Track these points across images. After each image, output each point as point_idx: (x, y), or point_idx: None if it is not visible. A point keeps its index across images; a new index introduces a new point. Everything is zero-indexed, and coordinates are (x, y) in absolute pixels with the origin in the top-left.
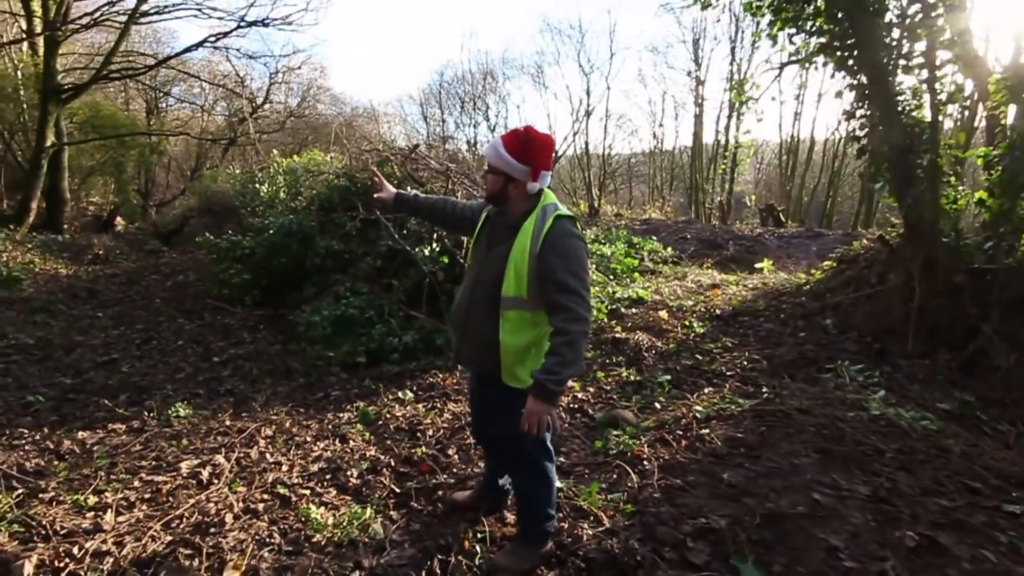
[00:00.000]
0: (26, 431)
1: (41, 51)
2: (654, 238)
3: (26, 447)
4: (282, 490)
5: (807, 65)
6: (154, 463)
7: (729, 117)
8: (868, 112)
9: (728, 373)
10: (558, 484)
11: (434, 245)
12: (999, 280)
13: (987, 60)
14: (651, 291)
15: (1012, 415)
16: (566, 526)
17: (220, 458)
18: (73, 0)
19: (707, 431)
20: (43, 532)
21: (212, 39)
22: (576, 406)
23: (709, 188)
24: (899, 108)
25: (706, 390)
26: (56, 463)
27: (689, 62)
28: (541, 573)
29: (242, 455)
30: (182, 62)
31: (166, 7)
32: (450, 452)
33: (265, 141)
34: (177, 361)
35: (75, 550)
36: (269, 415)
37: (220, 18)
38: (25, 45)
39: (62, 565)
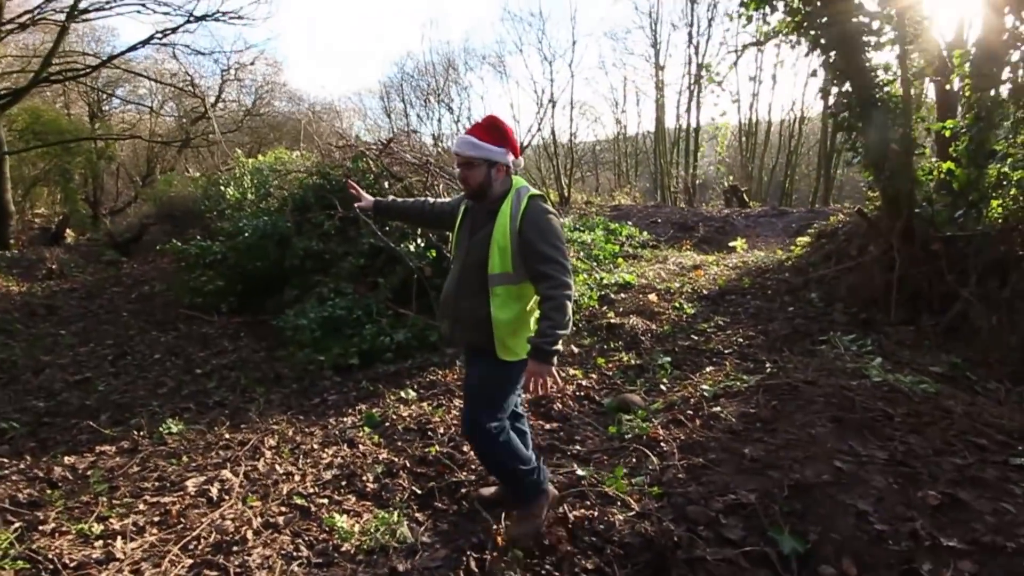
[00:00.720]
0: (6, 460)
1: None
2: (629, 223)
3: (13, 477)
4: (299, 501)
5: (775, 45)
6: (157, 484)
7: (690, 101)
8: (843, 89)
9: (726, 351)
10: (580, 472)
11: (419, 240)
12: (974, 246)
13: (932, 36)
14: (636, 275)
15: (998, 373)
16: (596, 513)
17: (227, 473)
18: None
19: (719, 409)
20: (51, 566)
21: (159, 35)
22: (582, 393)
23: (674, 172)
24: (873, 84)
25: (708, 369)
26: (50, 492)
27: (648, 47)
28: (579, 561)
29: (249, 468)
30: (126, 61)
31: (108, 3)
32: (465, 449)
33: (222, 141)
34: (157, 375)
35: None
36: (269, 424)
37: (166, 13)
38: None
39: None
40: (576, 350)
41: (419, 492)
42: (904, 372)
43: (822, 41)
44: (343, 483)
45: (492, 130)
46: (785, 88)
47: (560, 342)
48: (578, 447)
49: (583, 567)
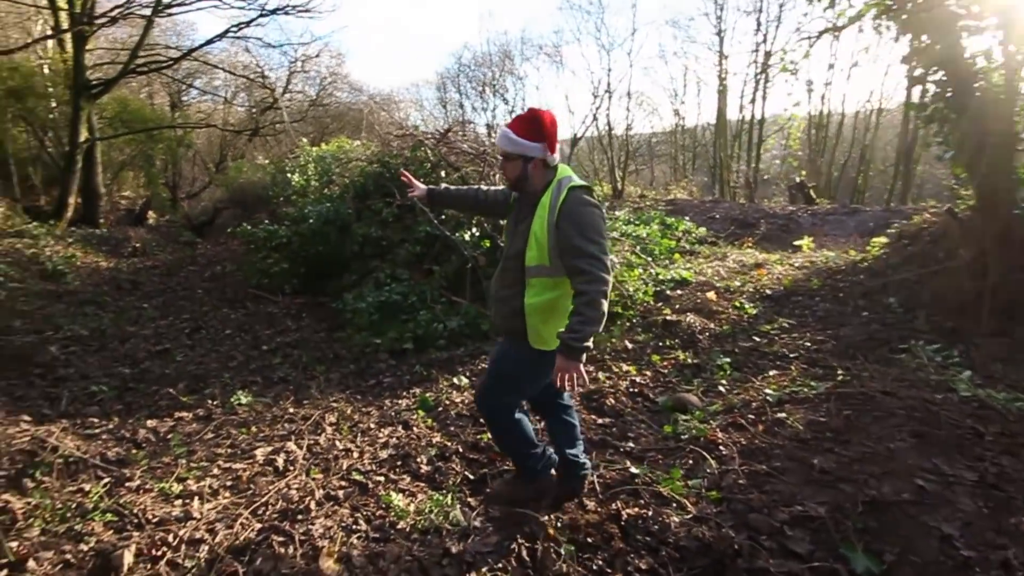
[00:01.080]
0: (96, 420)
1: (70, 47)
2: (685, 218)
3: (103, 436)
4: (358, 477)
5: (858, 29)
6: (229, 451)
7: (755, 91)
8: (936, 78)
9: (791, 355)
10: (633, 469)
11: (474, 230)
12: None
13: None
14: (694, 272)
15: None
16: (650, 513)
17: (292, 445)
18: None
19: (784, 415)
20: (136, 521)
21: (235, 28)
22: (635, 390)
23: (735, 166)
24: (970, 72)
25: (771, 373)
26: (135, 451)
27: (712, 36)
28: (632, 560)
29: (312, 442)
30: (204, 54)
31: None
32: None
33: (290, 130)
34: (228, 350)
35: (170, 538)
36: (329, 402)
37: (241, 8)
38: (52, 41)
39: (159, 553)
40: (630, 346)
41: (471, 477)
42: (997, 388)
43: (914, 25)
44: (398, 463)
45: (529, 124)
46: (862, 78)
47: (590, 339)
48: (631, 444)
49: (636, 566)
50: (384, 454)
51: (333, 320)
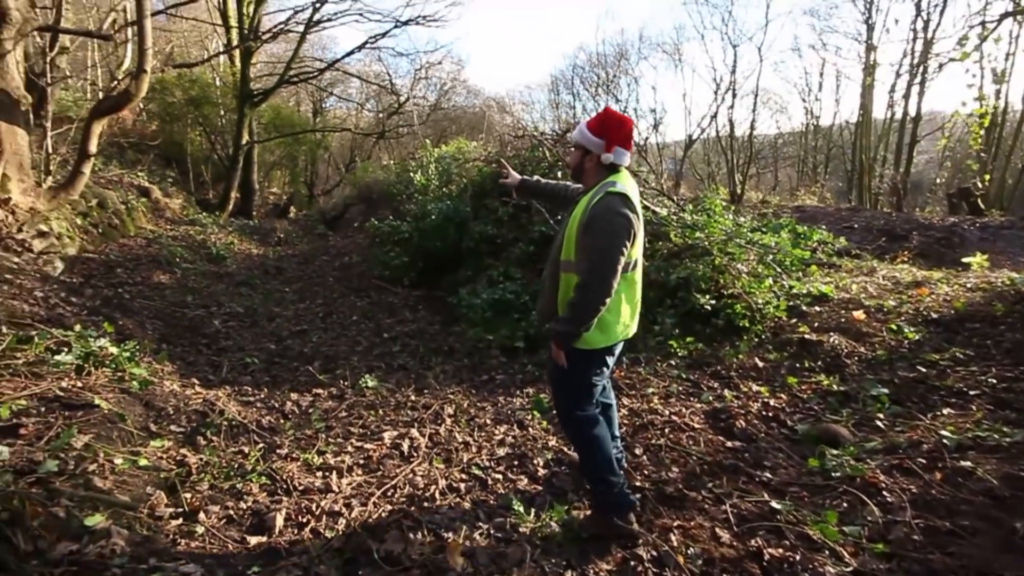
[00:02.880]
0: (249, 388)
1: (238, 62)
2: (820, 227)
3: (256, 404)
4: (477, 472)
5: None
6: (361, 430)
7: (910, 85)
8: None
9: (971, 392)
10: (775, 504)
11: None
12: None
13: None
14: (835, 287)
15: None
16: (798, 557)
17: (415, 432)
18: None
19: (968, 464)
20: (285, 487)
21: (372, 40)
22: (769, 414)
23: (878, 169)
24: None
25: (945, 411)
26: (283, 421)
27: (858, 24)
28: None
29: (433, 431)
30: (343, 65)
31: (336, 14)
32: (637, 451)
33: (419, 133)
34: (354, 335)
35: (313, 507)
36: (446, 393)
37: (378, 20)
38: (224, 56)
39: (304, 520)
40: (760, 364)
41: (588, 487)
42: None
43: None
44: (515, 462)
45: (599, 121)
46: None
47: (570, 334)
48: (768, 474)
49: None
50: (501, 451)
51: (448, 314)
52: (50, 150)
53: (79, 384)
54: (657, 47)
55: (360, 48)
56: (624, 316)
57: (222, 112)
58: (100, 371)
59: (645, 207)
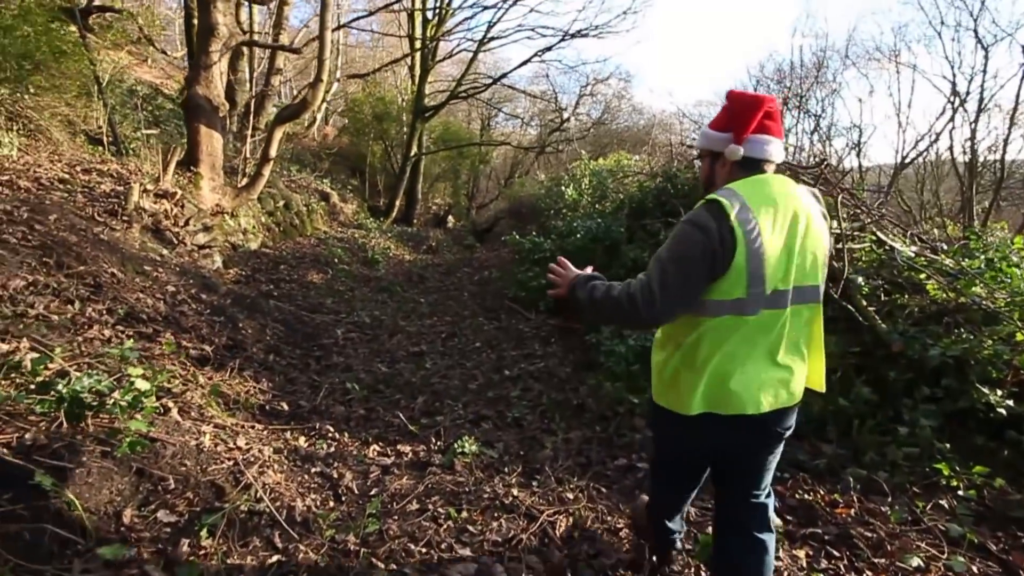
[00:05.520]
0: (331, 428)
1: (416, 80)
2: None
3: (313, 463)
4: None
5: None
6: (423, 551)
7: None
8: None
9: None
10: None
11: None
12: None
13: None
14: None
15: None
16: None
17: (500, 568)
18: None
19: None
20: None
21: (539, 53)
22: None
23: None
24: None
25: None
26: (329, 506)
27: None
28: None
29: (530, 568)
30: (511, 82)
31: (506, 31)
32: None
33: (568, 150)
34: (472, 367)
35: None
36: (563, 492)
37: (546, 35)
38: (406, 75)
39: None
40: None
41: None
42: None
43: None
44: None
45: (723, 111)
46: None
47: (584, 299)
48: None
49: None
50: None
51: (583, 353)
52: (247, 154)
53: (46, 438)
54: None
55: (527, 62)
56: (729, 379)
57: (404, 128)
58: (99, 418)
59: (874, 239)
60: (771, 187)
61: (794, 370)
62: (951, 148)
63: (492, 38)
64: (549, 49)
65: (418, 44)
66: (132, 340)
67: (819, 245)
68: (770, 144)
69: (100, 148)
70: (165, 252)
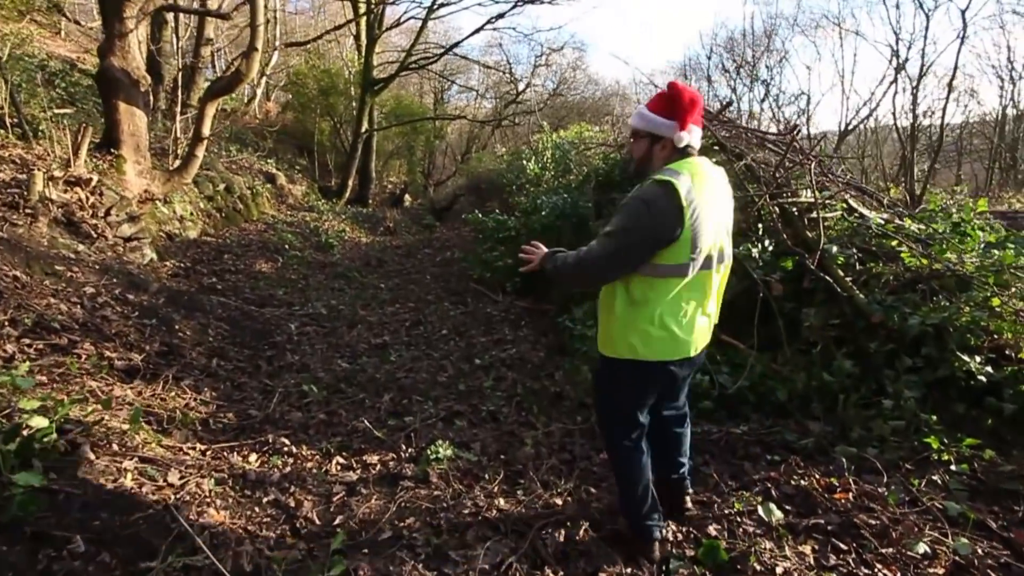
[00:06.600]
0: (287, 440)
1: (363, 51)
2: None
3: (271, 487)
4: None
5: None
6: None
7: None
8: None
9: None
10: None
11: (766, 243)
12: None
13: None
14: None
15: None
16: None
17: None
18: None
19: None
20: None
21: (493, 19)
22: None
23: None
24: None
25: None
26: (287, 542)
27: None
28: None
29: None
30: (463, 52)
31: None
32: None
33: (525, 123)
34: (440, 357)
35: None
36: (550, 498)
37: (498, 2)
38: (352, 46)
39: None
40: None
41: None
42: None
43: None
44: None
45: (665, 100)
46: None
47: (555, 271)
48: None
49: None
50: None
51: (555, 336)
52: (178, 134)
53: None
54: (823, 18)
55: (480, 29)
56: (676, 328)
57: (353, 103)
58: None
59: (846, 206)
60: (704, 169)
61: (714, 317)
62: (893, 113)
63: (442, 4)
64: (502, 16)
65: (363, 8)
66: (40, 355)
67: (730, 216)
68: (698, 133)
69: (2, 131)
70: (81, 248)
